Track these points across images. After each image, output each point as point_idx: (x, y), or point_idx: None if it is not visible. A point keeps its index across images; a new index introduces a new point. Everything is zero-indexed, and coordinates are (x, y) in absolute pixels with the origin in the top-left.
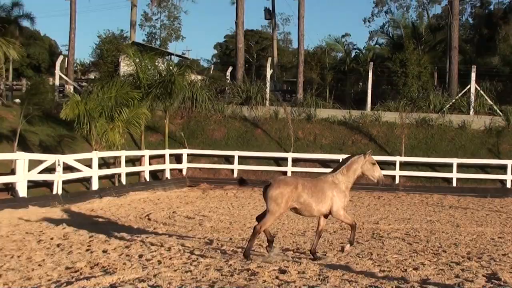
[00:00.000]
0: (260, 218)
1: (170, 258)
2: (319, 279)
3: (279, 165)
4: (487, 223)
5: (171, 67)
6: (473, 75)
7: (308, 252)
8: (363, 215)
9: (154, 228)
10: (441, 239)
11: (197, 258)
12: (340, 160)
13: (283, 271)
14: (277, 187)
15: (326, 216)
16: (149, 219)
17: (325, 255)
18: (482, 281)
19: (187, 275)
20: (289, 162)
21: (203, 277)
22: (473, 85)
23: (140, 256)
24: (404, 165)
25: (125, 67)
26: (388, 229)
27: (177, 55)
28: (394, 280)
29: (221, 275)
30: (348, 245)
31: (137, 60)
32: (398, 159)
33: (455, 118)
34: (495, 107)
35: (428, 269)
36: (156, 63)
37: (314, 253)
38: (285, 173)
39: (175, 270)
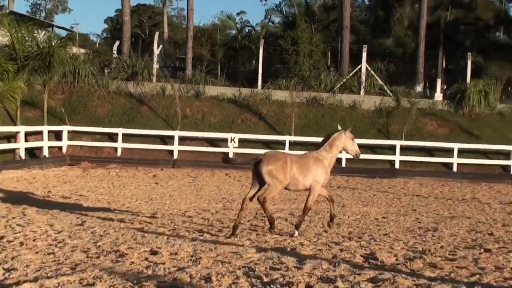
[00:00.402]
0: (251, 198)
1: (34, 240)
2: (191, 260)
3: (165, 143)
4: (373, 203)
5: (50, 39)
6: (364, 55)
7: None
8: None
9: (23, 209)
10: (325, 219)
11: (63, 240)
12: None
13: (154, 252)
14: (268, 163)
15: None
16: (20, 199)
17: (202, 235)
18: (360, 261)
19: (49, 257)
20: (176, 141)
21: (66, 259)
22: (364, 65)
23: (1, 238)
24: (294, 145)
25: (0, 37)
26: (272, 209)
27: (60, 27)
28: (269, 260)
29: (87, 257)
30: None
31: (13, 30)
32: (288, 138)
33: (346, 98)
34: (385, 88)
35: (306, 249)
36: (35, 35)
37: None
38: (171, 152)
39: (36, 252)
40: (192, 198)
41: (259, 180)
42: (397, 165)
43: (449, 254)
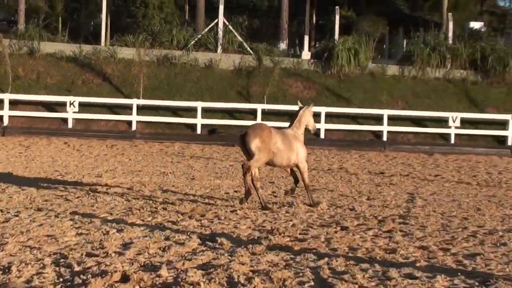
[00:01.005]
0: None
1: None
2: None
3: None
4: (226, 176)
5: None
6: (221, 7)
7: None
8: (88, 167)
9: None
10: (169, 194)
11: None
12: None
13: None
14: (255, 135)
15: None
16: None
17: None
18: (195, 244)
19: None
20: (6, 105)
21: None
22: (221, 19)
23: None
24: (142, 109)
25: None
26: (111, 183)
27: None
28: (89, 245)
29: None
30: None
31: None
32: (135, 102)
33: (201, 56)
34: (245, 45)
35: (135, 231)
36: None
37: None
38: (1, 117)
39: None
40: (20, 171)
41: (248, 153)
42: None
43: (300, 234)
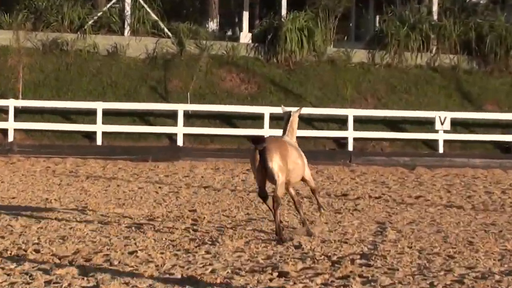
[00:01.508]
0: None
1: None
2: None
3: None
4: (132, 202)
5: None
6: None
7: None
8: None
9: None
10: (48, 230)
11: None
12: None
13: None
14: (276, 150)
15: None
16: None
17: None
18: None
19: None
20: None
21: None
22: None
23: None
24: (22, 113)
25: None
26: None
27: None
28: None
29: None
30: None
31: None
32: (12, 103)
33: (102, 41)
34: (161, 25)
35: None
36: None
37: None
38: None
39: None
40: None
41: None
42: (179, 141)
43: (219, 283)
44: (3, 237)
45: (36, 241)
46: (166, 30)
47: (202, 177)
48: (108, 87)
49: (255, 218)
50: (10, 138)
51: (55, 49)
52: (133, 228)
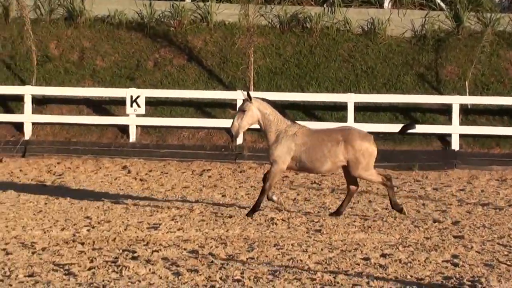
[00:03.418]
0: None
1: None
2: None
3: None
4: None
5: None
6: None
7: None
8: None
9: None
10: None
11: None
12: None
13: None
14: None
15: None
16: None
17: None
18: None
19: None
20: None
21: None
22: None
23: None
24: None
25: None
26: None
27: None
28: None
29: None
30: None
31: None
32: (239, 96)
33: (356, 15)
34: None
35: None
36: None
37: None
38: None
39: None
40: None
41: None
42: (455, 144)
43: None
44: None
45: None
46: (439, 1)
47: (482, 191)
48: (362, 74)
49: None
50: (239, 140)
51: (295, 27)
52: (370, 261)
